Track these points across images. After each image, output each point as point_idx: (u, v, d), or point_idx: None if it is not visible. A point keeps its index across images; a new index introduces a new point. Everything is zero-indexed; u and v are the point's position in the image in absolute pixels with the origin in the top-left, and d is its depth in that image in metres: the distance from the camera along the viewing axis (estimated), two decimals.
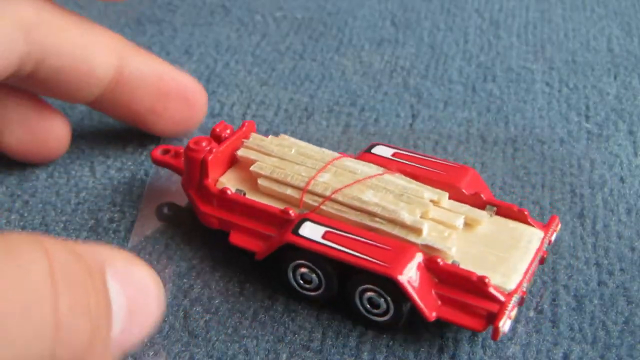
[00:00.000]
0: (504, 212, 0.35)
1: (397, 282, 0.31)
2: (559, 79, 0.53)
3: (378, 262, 0.31)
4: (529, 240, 0.34)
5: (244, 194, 0.36)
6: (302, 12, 0.61)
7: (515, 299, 0.31)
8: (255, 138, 0.38)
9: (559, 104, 0.50)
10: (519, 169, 0.43)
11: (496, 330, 0.30)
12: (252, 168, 0.36)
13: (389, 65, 0.54)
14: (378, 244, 0.32)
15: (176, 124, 0.42)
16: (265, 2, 0.63)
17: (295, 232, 0.33)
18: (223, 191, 0.36)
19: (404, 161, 0.37)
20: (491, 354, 0.32)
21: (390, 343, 0.33)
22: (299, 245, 0.33)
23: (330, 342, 0.33)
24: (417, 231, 0.33)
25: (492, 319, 0.31)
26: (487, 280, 0.31)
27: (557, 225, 0.35)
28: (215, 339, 0.33)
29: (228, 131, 0.38)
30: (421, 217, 0.33)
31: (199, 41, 0.57)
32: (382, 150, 0.38)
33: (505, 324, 0.30)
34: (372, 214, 0.33)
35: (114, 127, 0.47)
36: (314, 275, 0.33)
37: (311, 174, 0.35)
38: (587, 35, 0.58)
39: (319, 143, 0.45)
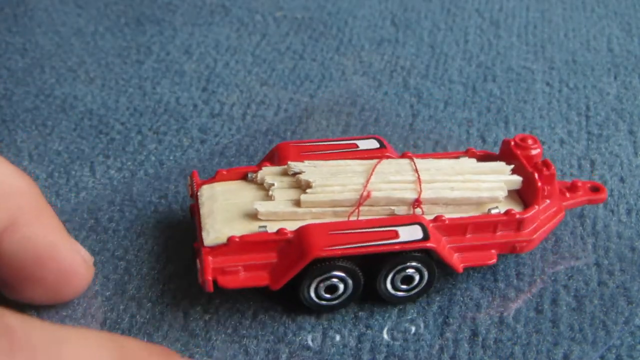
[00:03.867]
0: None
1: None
2: (559, 79, 0.53)
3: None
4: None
5: None
6: (302, 12, 0.61)
7: None
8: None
9: (559, 104, 0.50)
10: None
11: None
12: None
13: (389, 65, 0.54)
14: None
15: (45, 296, 0.34)
16: (265, 2, 0.63)
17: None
18: None
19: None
20: (491, 354, 0.32)
21: (391, 343, 0.33)
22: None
23: (330, 342, 0.33)
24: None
25: None
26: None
27: None
28: (215, 338, 0.33)
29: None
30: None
31: (199, 41, 0.57)
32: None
33: None
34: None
35: (114, 127, 0.47)
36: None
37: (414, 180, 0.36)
38: (587, 35, 0.58)
39: None
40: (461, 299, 0.35)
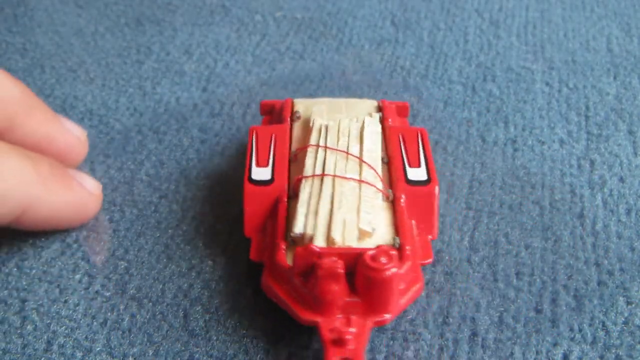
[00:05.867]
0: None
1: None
2: (559, 79, 0.53)
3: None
4: (321, 101, 0.43)
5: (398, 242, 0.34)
6: (302, 12, 0.61)
7: None
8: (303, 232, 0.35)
9: (559, 104, 0.50)
10: (519, 169, 0.43)
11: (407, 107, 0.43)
12: (363, 226, 0.33)
13: (389, 65, 0.54)
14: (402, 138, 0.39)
15: None
16: (265, 2, 0.63)
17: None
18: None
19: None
20: (491, 354, 0.32)
21: (390, 343, 0.33)
22: None
23: None
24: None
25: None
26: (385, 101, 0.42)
27: None
28: (215, 338, 0.33)
29: None
30: None
31: (199, 41, 0.57)
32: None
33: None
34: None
35: (114, 127, 0.47)
36: None
37: (355, 189, 0.36)
38: (587, 35, 0.58)
39: None
40: (461, 299, 0.35)
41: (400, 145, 0.39)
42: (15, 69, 0.53)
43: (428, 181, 0.36)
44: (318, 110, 0.41)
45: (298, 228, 0.33)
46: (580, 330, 0.34)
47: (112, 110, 0.48)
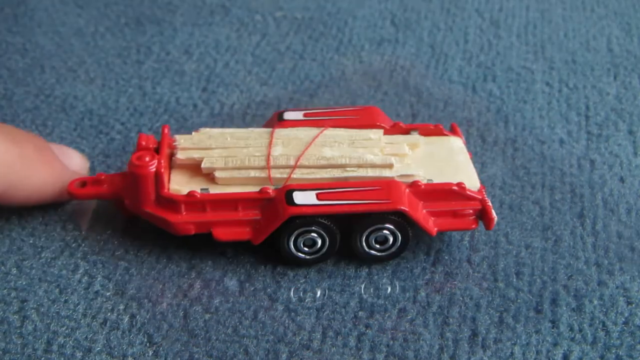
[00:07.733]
0: (424, 131, 0.40)
1: (404, 213, 0.35)
2: (559, 79, 0.53)
3: (380, 202, 0.34)
4: (458, 147, 0.39)
5: (208, 191, 0.36)
6: (302, 12, 0.61)
7: (484, 193, 0.36)
8: (183, 139, 0.37)
9: (559, 104, 0.50)
10: (519, 169, 0.43)
11: (491, 220, 0.36)
12: (203, 165, 0.36)
13: (389, 65, 0.54)
14: (367, 188, 0.35)
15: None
16: (265, 2, 0.63)
17: (292, 203, 0.34)
18: (191, 194, 0.35)
19: (318, 118, 0.39)
20: (491, 354, 0.32)
21: (391, 343, 0.33)
22: (303, 214, 0.34)
23: (330, 342, 0.33)
24: (389, 166, 0.36)
25: (482, 213, 0.36)
26: (463, 185, 0.36)
27: (459, 131, 0.41)
28: (215, 338, 0.33)
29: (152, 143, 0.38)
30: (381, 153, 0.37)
31: (199, 41, 0.57)
32: (293, 115, 0.39)
33: (494, 213, 0.36)
34: (341, 166, 0.36)
35: (114, 127, 0.47)
36: (318, 239, 0.35)
37: (263, 152, 0.36)
38: (587, 35, 0.58)
39: None
40: (461, 298, 0.35)
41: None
42: (16, 69, 0.53)
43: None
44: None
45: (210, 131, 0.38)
46: (580, 330, 0.34)
47: (112, 110, 0.48)
